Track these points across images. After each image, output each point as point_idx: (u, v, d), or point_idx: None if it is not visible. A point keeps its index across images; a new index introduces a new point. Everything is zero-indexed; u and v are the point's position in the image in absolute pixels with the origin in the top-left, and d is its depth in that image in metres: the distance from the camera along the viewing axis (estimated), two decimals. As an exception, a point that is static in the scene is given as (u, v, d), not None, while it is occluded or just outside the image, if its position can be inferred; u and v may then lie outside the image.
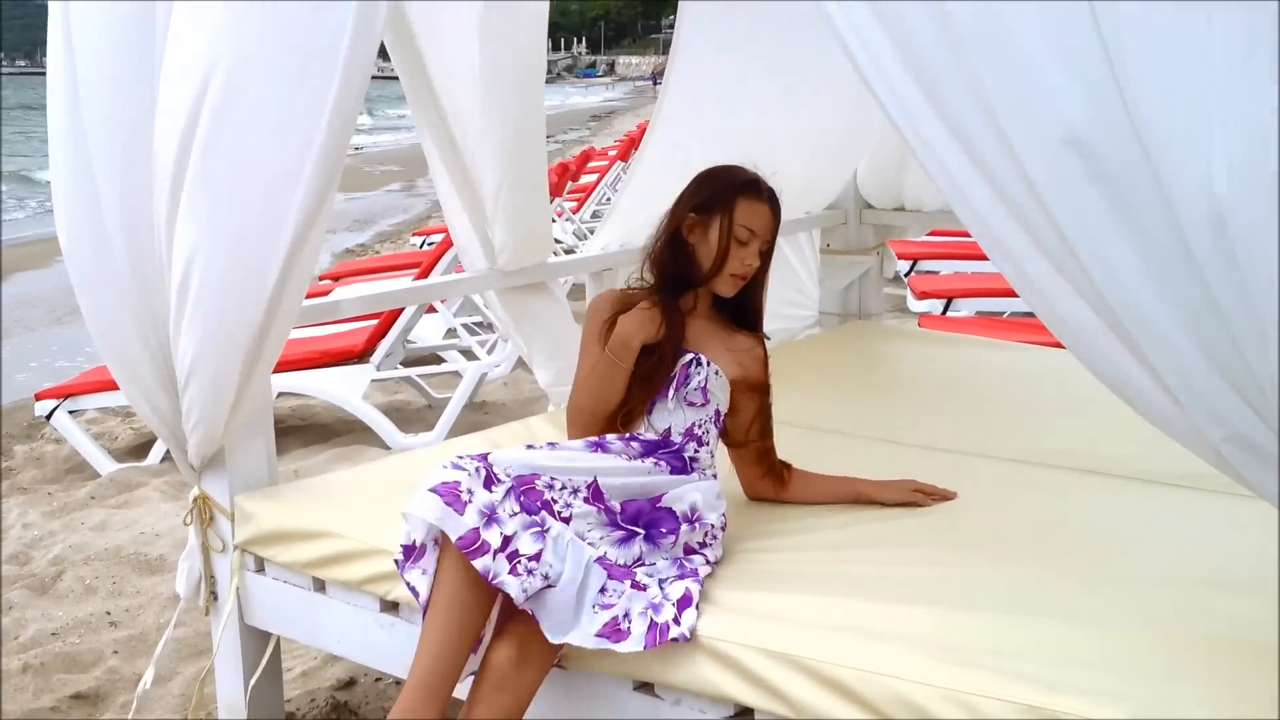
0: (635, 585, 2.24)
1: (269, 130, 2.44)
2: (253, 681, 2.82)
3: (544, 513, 2.23)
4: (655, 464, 2.46)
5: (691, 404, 2.53)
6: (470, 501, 2.16)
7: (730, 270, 2.54)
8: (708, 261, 2.54)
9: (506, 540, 2.15)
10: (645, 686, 2.24)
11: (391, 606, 2.59)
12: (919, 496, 2.69)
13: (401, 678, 2.87)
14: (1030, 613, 2.13)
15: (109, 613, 3.72)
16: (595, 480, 2.35)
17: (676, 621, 2.14)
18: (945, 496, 2.72)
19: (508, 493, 2.21)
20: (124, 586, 3.91)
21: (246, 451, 2.82)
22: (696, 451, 2.52)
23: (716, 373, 2.56)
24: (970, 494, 2.82)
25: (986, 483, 2.90)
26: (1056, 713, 1.78)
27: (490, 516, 2.16)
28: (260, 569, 2.81)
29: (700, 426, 2.54)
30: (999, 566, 2.36)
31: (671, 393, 2.52)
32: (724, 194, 2.54)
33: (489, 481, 2.21)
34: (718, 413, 2.58)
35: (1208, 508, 2.68)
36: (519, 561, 2.15)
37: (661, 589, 2.23)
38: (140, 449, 5.48)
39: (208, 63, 2.40)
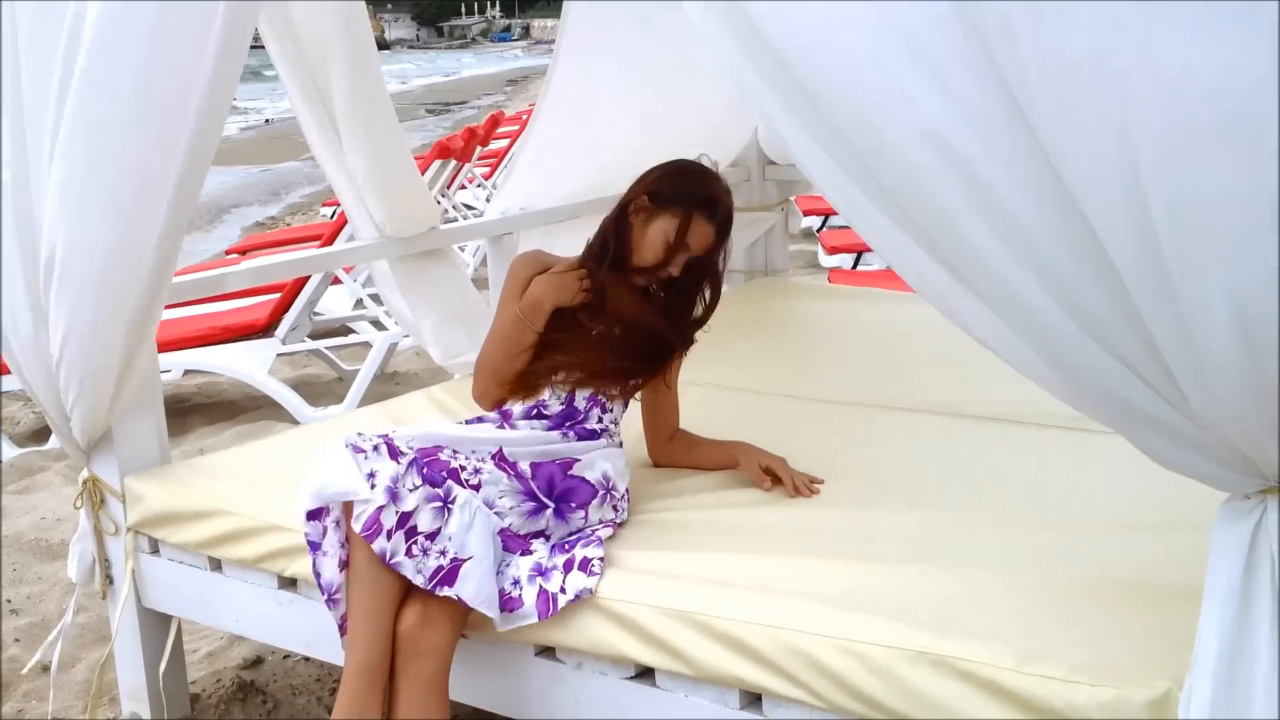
0: (524, 552, 2.23)
1: (139, 86, 2.37)
2: (162, 667, 2.79)
3: (450, 482, 2.21)
4: (563, 434, 2.45)
5: None
6: (374, 481, 2.13)
7: (654, 261, 2.49)
8: (637, 251, 2.49)
9: (405, 517, 2.13)
10: (546, 651, 2.23)
11: (289, 583, 2.55)
12: (765, 480, 2.53)
13: (304, 654, 2.84)
14: (925, 561, 2.14)
15: (9, 600, 3.63)
16: (500, 449, 2.34)
17: (563, 590, 2.14)
18: (809, 488, 2.51)
19: (410, 464, 2.18)
20: (24, 573, 3.82)
21: (135, 431, 2.76)
22: (601, 418, 2.51)
23: None
24: (869, 445, 2.84)
25: (885, 434, 2.92)
26: (945, 656, 1.79)
27: (393, 493, 2.13)
28: (155, 550, 2.75)
29: (604, 392, 2.52)
30: (896, 516, 2.37)
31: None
32: (683, 198, 2.47)
33: (393, 454, 2.18)
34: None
35: (1104, 449, 2.70)
36: (415, 541, 2.13)
37: (551, 554, 2.22)
38: (41, 433, 5.35)
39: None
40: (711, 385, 3.30)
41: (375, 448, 2.18)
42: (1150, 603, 1.91)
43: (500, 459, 2.32)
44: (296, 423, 5.05)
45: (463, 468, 2.26)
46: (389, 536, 2.12)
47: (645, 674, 2.13)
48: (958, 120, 1.40)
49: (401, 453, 2.20)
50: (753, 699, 2.02)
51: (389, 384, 5.80)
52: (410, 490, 2.15)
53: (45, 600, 3.64)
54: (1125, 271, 1.34)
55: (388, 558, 2.11)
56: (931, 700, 1.79)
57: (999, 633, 1.83)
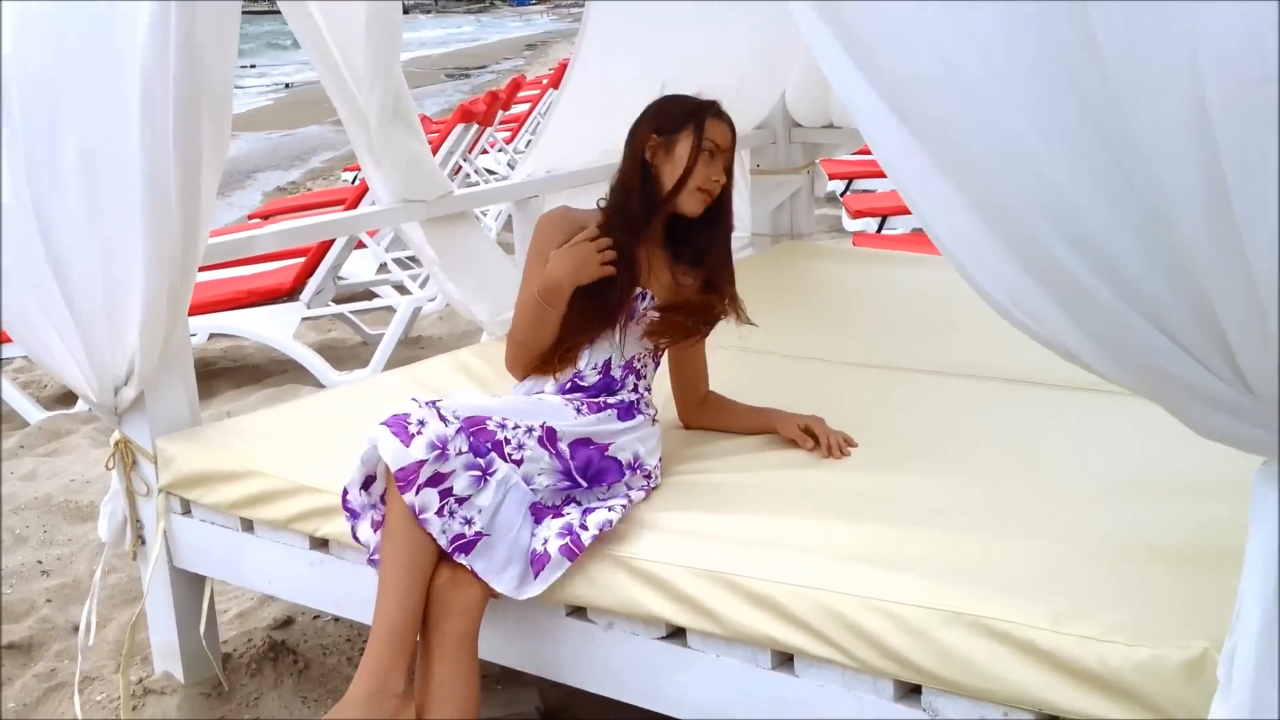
0: (556, 515, 2.24)
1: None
2: (201, 627, 2.82)
3: (493, 454, 2.20)
4: (603, 412, 2.42)
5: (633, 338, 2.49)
6: (419, 434, 2.13)
7: (696, 183, 2.45)
8: (672, 179, 2.45)
9: (442, 477, 2.14)
10: (578, 611, 2.24)
11: (321, 544, 2.57)
12: (806, 441, 2.54)
13: (334, 614, 2.86)
14: (957, 523, 2.14)
15: (40, 561, 3.66)
16: (548, 428, 2.31)
17: (584, 527, 2.16)
18: (842, 449, 2.52)
19: (458, 431, 2.18)
20: (55, 535, 3.85)
21: (166, 394, 2.77)
22: (636, 386, 2.50)
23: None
24: (898, 408, 2.83)
25: (915, 397, 2.91)
26: (980, 616, 1.79)
27: (442, 450, 2.14)
28: (186, 511, 2.77)
29: (639, 360, 2.51)
30: (927, 479, 2.37)
31: (616, 326, 2.47)
32: (686, 114, 2.47)
33: (441, 421, 2.18)
34: (658, 347, 2.55)
35: (1138, 413, 2.68)
36: (446, 502, 2.14)
37: (582, 516, 2.23)
38: (69, 397, 5.38)
39: None
40: (738, 348, 3.29)
41: (425, 404, 2.19)
42: (1187, 565, 1.90)
43: (548, 436, 2.29)
44: (322, 387, 5.07)
45: (508, 440, 2.25)
46: (418, 490, 2.12)
47: (677, 634, 2.14)
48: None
49: (448, 421, 2.19)
50: (784, 659, 2.02)
51: (413, 348, 5.82)
52: (456, 454, 2.16)
53: (75, 561, 3.67)
54: (1187, 226, 1.30)
55: (416, 511, 2.12)
56: (966, 661, 1.79)
57: (1034, 594, 1.82)
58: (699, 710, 2.13)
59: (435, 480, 2.13)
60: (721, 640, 2.06)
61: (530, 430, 2.29)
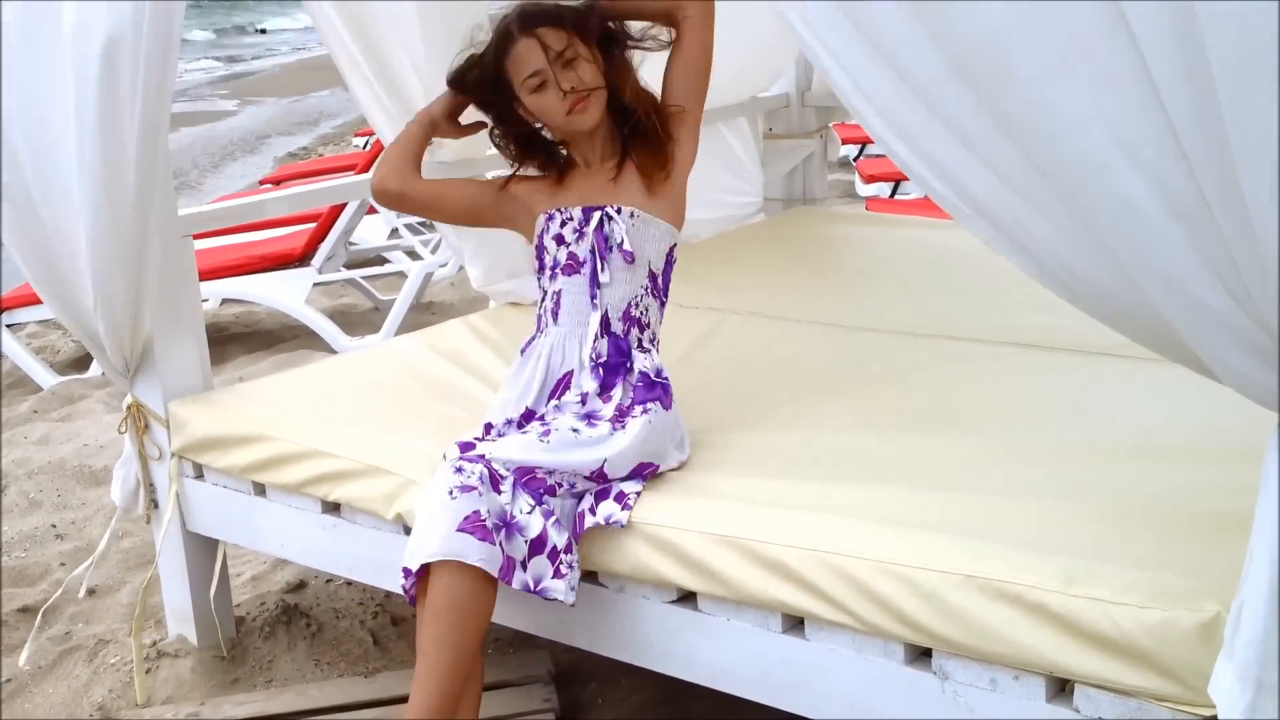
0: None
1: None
2: (212, 590, 2.83)
3: (547, 497, 2.17)
4: (632, 408, 2.28)
5: (623, 267, 2.33)
6: (486, 520, 2.08)
7: (555, 121, 2.32)
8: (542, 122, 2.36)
9: (540, 541, 2.11)
10: (589, 575, 2.24)
11: (333, 508, 2.57)
12: None
13: (347, 578, 2.87)
14: (970, 486, 2.13)
15: (54, 525, 3.68)
16: (602, 466, 2.20)
17: (592, 511, 2.15)
18: None
19: (514, 488, 2.14)
20: (69, 499, 3.87)
21: (178, 357, 2.78)
22: (640, 337, 2.36)
23: (633, 214, 2.32)
24: (912, 372, 2.82)
25: (928, 361, 2.90)
26: (992, 579, 1.79)
27: (509, 525, 2.10)
28: (199, 475, 2.78)
29: (638, 305, 2.36)
30: (939, 442, 2.36)
31: (601, 264, 2.31)
32: (490, 75, 2.34)
33: (494, 481, 2.13)
34: (653, 277, 2.37)
35: (1151, 376, 2.68)
36: (560, 561, 2.11)
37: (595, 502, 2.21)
38: (81, 362, 5.40)
39: None
40: (750, 313, 3.29)
41: (481, 479, 2.11)
42: (1199, 529, 1.89)
43: (597, 477, 2.21)
44: (334, 352, 5.08)
45: (559, 484, 2.18)
46: (525, 567, 2.10)
47: (688, 598, 2.14)
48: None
49: (502, 477, 2.14)
50: (795, 623, 2.02)
51: (425, 314, 5.82)
52: (526, 513, 2.12)
53: (90, 525, 3.68)
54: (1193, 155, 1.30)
55: (533, 587, 2.10)
56: (977, 623, 1.79)
57: (1046, 557, 1.81)
58: (710, 673, 2.13)
59: (534, 547, 2.10)
60: (732, 604, 2.06)
61: (583, 474, 2.20)
